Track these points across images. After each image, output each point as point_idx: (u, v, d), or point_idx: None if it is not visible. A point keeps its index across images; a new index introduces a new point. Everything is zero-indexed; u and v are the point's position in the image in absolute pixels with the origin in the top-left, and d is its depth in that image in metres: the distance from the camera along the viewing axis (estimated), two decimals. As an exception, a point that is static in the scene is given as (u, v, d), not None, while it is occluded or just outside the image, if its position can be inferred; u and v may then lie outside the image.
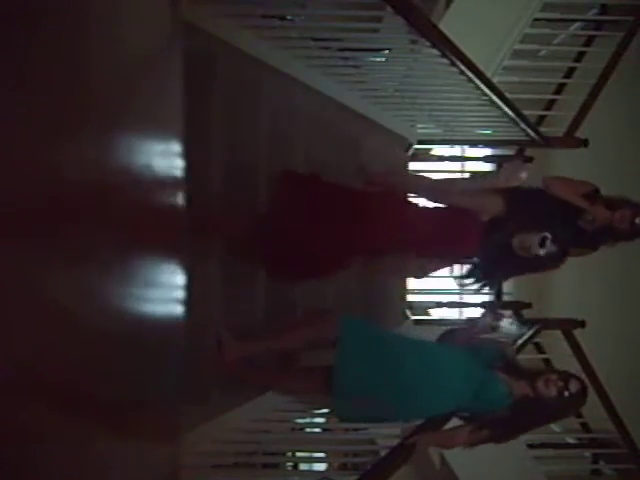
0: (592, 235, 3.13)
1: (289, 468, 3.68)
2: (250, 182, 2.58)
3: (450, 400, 2.48)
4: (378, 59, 3.41)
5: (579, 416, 4.70)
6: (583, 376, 4.25)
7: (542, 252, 2.52)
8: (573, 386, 2.45)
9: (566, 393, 2.42)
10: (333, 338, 2.51)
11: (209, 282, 2.26)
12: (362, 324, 2.61)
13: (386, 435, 2.73)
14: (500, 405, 2.46)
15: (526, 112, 3.78)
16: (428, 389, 2.46)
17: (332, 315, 2.64)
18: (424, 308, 5.04)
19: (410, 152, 4.27)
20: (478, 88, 3.06)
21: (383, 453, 2.50)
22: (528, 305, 4.63)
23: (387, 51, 3.35)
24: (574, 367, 4.33)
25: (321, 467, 3.97)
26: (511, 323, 2.68)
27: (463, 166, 6.51)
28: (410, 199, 3.01)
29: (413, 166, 4.58)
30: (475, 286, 2.86)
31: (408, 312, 4.56)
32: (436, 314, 5.11)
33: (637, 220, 3.04)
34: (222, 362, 2.35)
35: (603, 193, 3.25)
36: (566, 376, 2.48)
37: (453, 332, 2.79)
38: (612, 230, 3.08)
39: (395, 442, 2.48)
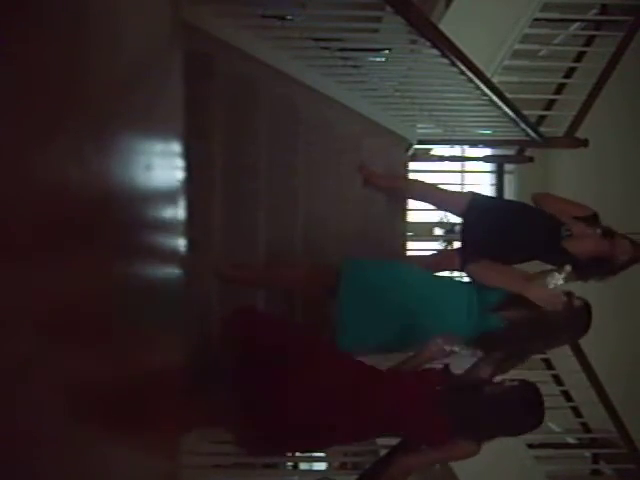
0: (586, 264, 3.01)
1: (289, 468, 3.68)
2: (249, 187, 2.59)
3: (452, 328, 2.50)
4: (378, 59, 3.41)
5: (579, 416, 4.70)
6: (583, 376, 4.31)
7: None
8: (576, 301, 2.50)
9: (573, 306, 2.47)
10: (332, 284, 2.53)
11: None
12: (363, 261, 2.64)
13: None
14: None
15: (526, 112, 3.78)
16: (432, 316, 2.49)
17: (334, 264, 2.66)
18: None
19: (410, 152, 4.27)
20: (478, 88, 3.06)
21: (383, 453, 2.50)
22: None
23: (387, 51, 3.35)
24: (574, 367, 4.34)
25: (321, 466, 3.97)
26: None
27: (463, 166, 6.52)
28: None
29: (413, 166, 4.58)
30: None
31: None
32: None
33: (635, 252, 2.98)
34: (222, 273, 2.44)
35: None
36: (568, 292, 2.51)
37: None
38: (611, 261, 2.99)
39: (395, 442, 2.48)
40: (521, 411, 2.29)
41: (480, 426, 2.25)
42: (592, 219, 3.09)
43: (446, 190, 3.80)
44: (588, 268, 2.95)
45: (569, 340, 3.42)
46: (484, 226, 3.24)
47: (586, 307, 2.53)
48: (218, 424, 2.32)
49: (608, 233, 3.00)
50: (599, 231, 3.01)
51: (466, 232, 3.42)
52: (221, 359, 2.30)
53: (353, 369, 2.28)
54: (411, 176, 4.42)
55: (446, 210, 3.73)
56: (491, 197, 3.85)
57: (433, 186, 3.76)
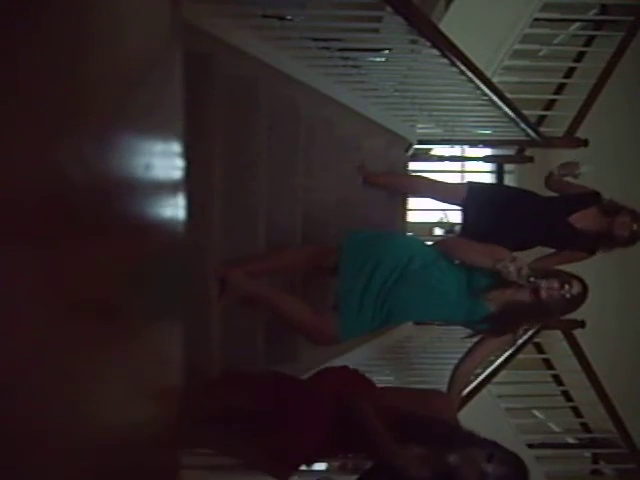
0: (590, 239, 3.15)
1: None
2: (250, 187, 2.58)
3: (452, 308, 2.50)
4: (378, 59, 3.41)
5: (579, 416, 4.71)
6: (583, 376, 4.31)
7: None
8: (575, 288, 2.48)
9: (567, 295, 2.46)
10: (333, 265, 2.52)
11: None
12: (362, 230, 2.65)
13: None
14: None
15: (526, 112, 3.79)
16: (433, 290, 2.47)
17: (333, 246, 2.66)
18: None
19: (410, 152, 4.27)
20: (478, 88, 3.06)
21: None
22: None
23: (387, 51, 3.35)
24: (574, 367, 4.35)
25: (321, 467, 3.97)
26: None
27: (463, 166, 6.52)
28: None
29: (413, 166, 4.58)
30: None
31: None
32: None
33: (635, 227, 3.05)
34: (225, 274, 2.41)
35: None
36: (567, 279, 2.48)
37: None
38: (611, 236, 3.09)
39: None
40: None
41: None
42: (592, 196, 3.25)
43: (443, 181, 3.83)
44: (592, 242, 3.14)
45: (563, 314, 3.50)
46: (485, 211, 3.29)
47: (584, 291, 2.51)
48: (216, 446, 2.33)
49: (609, 210, 3.10)
50: (596, 208, 3.18)
51: (467, 219, 3.45)
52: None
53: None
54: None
55: (445, 201, 3.73)
56: (490, 183, 3.90)
57: (430, 179, 3.78)
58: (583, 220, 3.17)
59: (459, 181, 6.74)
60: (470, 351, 2.69)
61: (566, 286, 2.45)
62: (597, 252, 3.21)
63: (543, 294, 2.45)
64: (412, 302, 2.47)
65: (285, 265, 2.70)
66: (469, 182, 3.55)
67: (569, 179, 3.45)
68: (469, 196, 3.38)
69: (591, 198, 3.25)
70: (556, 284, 2.46)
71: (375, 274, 2.44)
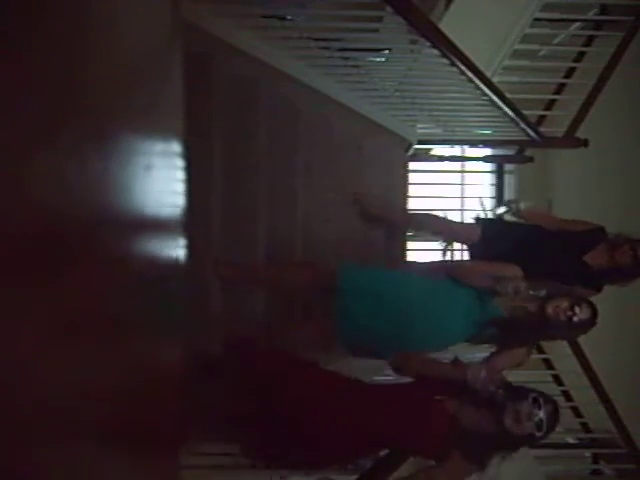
0: (602, 276, 3.07)
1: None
2: (249, 187, 2.58)
3: (455, 335, 2.52)
4: (378, 59, 3.40)
5: (579, 416, 4.70)
6: (583, 376, 4.31)
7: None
8: (584, 312, 2.42)
9: (575, 319, 2.40)
10: (332, 284, 2.53)
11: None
12: (360, 268, 2.64)
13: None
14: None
15: (526, 112, 3.78)
16: (431, 324, 2.48)
17: (332, 264, 2.67)
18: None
19: (410, 152, 4.27)
20: (478, 88, 3.05)
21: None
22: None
23: (387, 51, 3.35)
24: (574, 367, 4.34)
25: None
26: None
27: (463, 166, 6.52)
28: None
29: (413, 166, 4.58)
30: None
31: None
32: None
33: (636, 253, 2.99)
34: (220, 274, 2.43)
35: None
36: (577, 301, 2.43)
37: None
38: (619, 270, 3.03)
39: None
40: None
41: (483, 445, 2.18)
42: (600, 233, 3.15)
43: (454, 221, 3.69)
44: (605, 278, 3.07)
45: (567, 337, 3.44)
46: (506, 248, 3.15)
47: (593, 316, 2.46)
48: (218, 434, 2.33)
49: (612, 244, 3.06)
50: (604, 245, 3.08)
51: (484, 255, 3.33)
52: (220, 375, 2.30)
53: (342, 386, 2.30)
54: (411, 177, 4.43)
55: (457, 241, 3.63)
56: (500, 220, 3.75)
57: (438, 217, 3.60)
58: (595, 258, 3.09)
59: (460, 189, 6.72)
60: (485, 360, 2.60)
61: (576, 308, 2.40)
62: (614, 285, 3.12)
63: (549, 310, 2.42)
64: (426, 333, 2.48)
65: (282, 284, 2.69)
66: (481, 220, 3.45)
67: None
68: (484, 235, 3.27)
69: (599, 235, 3.15)
70: (565, 303, 2.42)
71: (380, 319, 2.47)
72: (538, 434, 2.13)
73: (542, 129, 4.31)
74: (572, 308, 2.40)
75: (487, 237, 3.27)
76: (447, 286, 2.58)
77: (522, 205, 3.36)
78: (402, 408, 2.24)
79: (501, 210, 3.55)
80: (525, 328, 2.50)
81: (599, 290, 3.09)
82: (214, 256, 2.43)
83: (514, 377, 4.43)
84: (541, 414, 2.11)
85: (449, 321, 2.50)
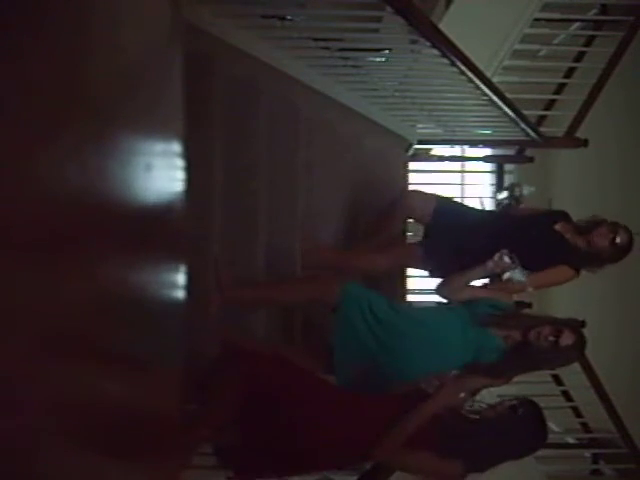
0: (578, 253, 3.03)
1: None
2: (250, 186, 2.58)
3: (451, 365, 2.50)
4: (378, 59, 3.40)
5: (579, 416, 4.70)
6: (583, 376, 4.31)
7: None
8: (566, 338, 2.42)
9: (560, 344, 2.41)
10: (333, 303, 2.52)
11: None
12: (362, 291, 2.60)
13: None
14: (496, 356, 2.51)
15: (526, 112, 3.78)
16: (428, 358, 2.47)
17: (334, 279, 2.64)
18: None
19: (410, 152, 4.27)
20: (478, 88, 3.05)
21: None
22: (528, 305, 4.63)
23: (387, 51, 3.35)
24: (574, 367, 4.34)
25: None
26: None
27: (463, 166, 6.52)
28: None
29: (413, 166, 4.58)
30: None
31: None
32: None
33: (614, 236, 2.97)
34: (218, 297, 2.38)
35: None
36: (561, 328, 2.43)
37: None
38: (595, 252, 3.01)
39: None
40: (524, 435, 2.26)
41: (480, 457, 2.22)
42: (562, 213, 3.19)
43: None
44: (580, 258, 3.03)
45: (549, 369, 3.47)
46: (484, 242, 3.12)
47: (576, 344, 2.47)
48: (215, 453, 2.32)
49: (582, 229, 3.04)
50: (570, 225, 3.09)
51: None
52: (218, 388, 2.26)
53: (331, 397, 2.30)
54: (411, 177, 4.43)
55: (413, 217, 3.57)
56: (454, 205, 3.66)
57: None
58: (567, 231, 3.06)
59: (460, 189, 6.69)
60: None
61: (558, 334, 2.41)
62: (582, 270, 3.06)
63: (531, 335, 2.44)
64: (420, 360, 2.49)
65: (283, 302, 2.68)
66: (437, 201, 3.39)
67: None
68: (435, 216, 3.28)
69: (561, 214, 3.18)
70: (547, 330, 2.43)
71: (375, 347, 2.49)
72: None
73: (542, 129, 4.31)
74: (554, 334, 2.41)
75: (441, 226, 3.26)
76: (444, 314, 2.61)
77: (525, 190, 3.38)
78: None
79: (503, 195, 3.56)
80: (515, 358, 2.51)
81: (578, 271, 3.05)
82: (214, 256, 2.42)
83: (514, 377, 4.43)
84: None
85: (447, 348, 2.51)
